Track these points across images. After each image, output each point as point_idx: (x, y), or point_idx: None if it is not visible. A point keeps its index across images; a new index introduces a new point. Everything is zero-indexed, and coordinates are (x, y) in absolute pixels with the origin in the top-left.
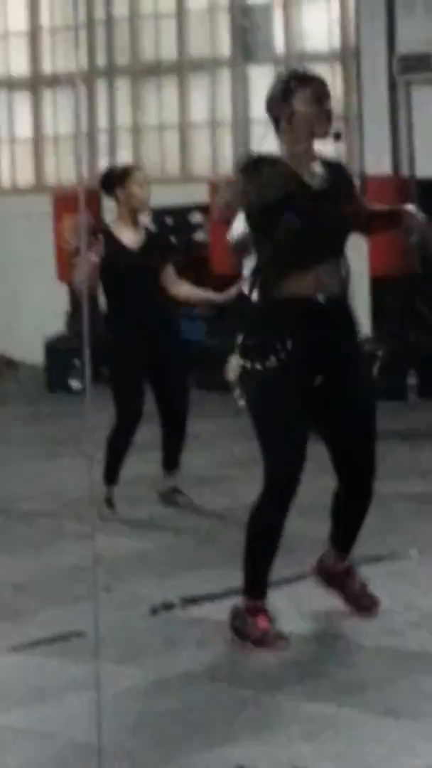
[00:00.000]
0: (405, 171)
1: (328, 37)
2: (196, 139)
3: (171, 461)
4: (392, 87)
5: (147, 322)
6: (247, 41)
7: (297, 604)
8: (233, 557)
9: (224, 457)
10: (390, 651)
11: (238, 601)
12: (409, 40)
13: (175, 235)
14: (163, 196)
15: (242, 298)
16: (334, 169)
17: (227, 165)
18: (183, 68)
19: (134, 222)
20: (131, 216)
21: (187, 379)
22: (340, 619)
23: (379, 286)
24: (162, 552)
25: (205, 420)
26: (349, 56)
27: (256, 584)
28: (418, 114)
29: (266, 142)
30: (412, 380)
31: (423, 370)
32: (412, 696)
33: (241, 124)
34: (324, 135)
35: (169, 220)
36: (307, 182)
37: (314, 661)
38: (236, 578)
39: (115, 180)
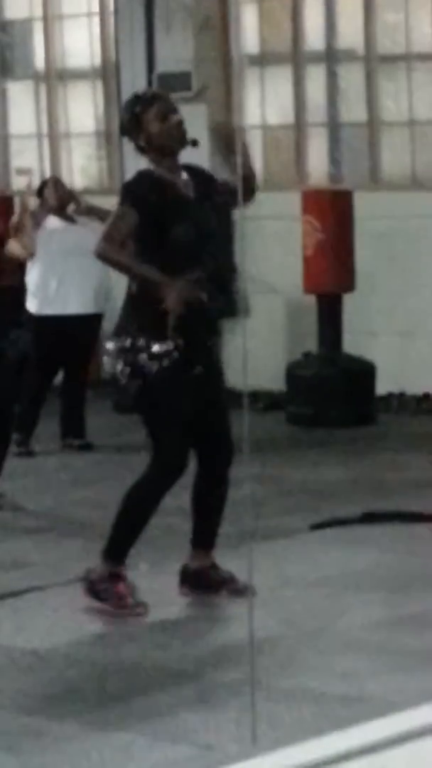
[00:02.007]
0: None
1: (89, 54)
2: None
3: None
4: None
5: None
6: (5, 57)
7: None
8: None
9: None
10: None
11: (94, 567)
12: (168, 59)
13: None
14: None
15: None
16: (198, 175)
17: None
18: None
19: None
20: None
21: None
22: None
23: None
24: None
25: None
26: (109, 73)
27: (120, 550)
28: None
29: (23, 156)
30: None
31: None
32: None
33: (0, 139)
34: (180, 146)
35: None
36: (181, 192)
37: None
38: None
39: None
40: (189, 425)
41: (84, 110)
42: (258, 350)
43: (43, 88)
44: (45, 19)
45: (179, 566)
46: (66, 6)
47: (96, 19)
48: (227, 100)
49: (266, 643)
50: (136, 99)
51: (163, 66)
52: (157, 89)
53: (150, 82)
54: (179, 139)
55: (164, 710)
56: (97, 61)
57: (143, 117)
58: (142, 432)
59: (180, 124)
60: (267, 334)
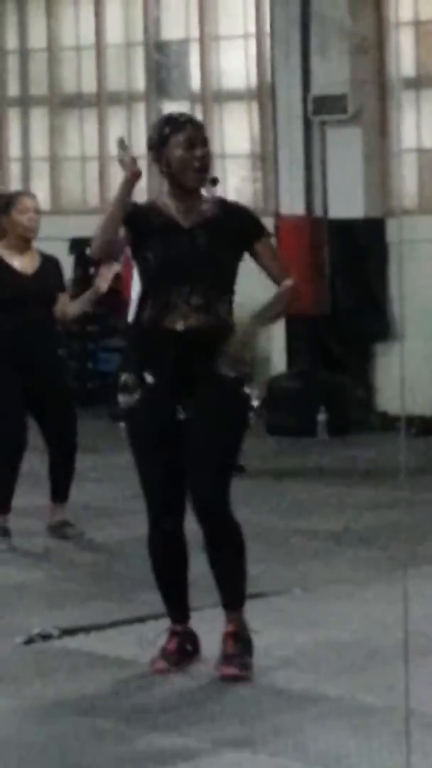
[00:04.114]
0: (318, 212)
1: (245, 76)
2: (114, 170)
3: (59, 493)
4: (307, 127)
5: (29, 348)
6: (162, 77)
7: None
8: (121, 590)
9: (126, 489)
10: (257, 686)
11: None
12: (324, 81)
13: (95, 266)
14: (84, 227)
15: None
16: (231, 210)
17: (142, 197)
18: (102, 101)
19: (23, 248)
20: (19, 242)
21: (72, 408)
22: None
23: (293, 323)
24: (50, 583)
25: (114, 452)
26: (265, 95)
27: (165, 608)
28: (332, 155)
29: None
30: (321, 417)
31: (332, 408)
32: (272, 732)
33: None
34: (198, 182)
35: (88, 251)
36: (174, 218)
37: (179, 696)
38: (121, 611)
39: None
40: (168, 473)
41: (239, 132)
42: (412, 374)
43: (198, 109)
44: (201, 39)
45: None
46: (222, 27)
47: (252, 41)
48: (382, 124)
49: (417, 670)
50: (168, 119)
51: (318, 88)
52: (191, 116)
53: (305, 104)
54: (198, 173)
55: (317, 736)
56: (253, 82)
57: (170, 139)
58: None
59: (204, 158)
60: (421, 359)
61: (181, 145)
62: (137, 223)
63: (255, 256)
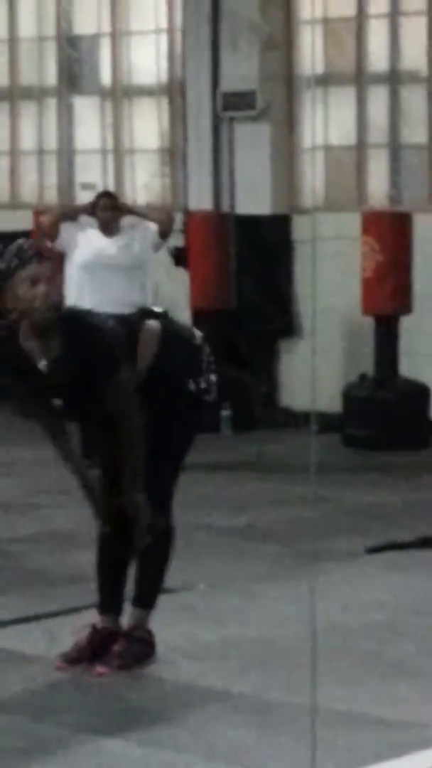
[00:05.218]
0: (226, 207)
1: (155, 71)
2: (24, 166)
3: None
4: (216, 123)
5: None
6: (73, 72)
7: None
8: (31, 586)
9: (34, 483)
10: (161, 682)
11: None
12: (233, 77)
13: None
14: None
15: None
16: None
17: (52, 193)
18: (14, 95)
19: None
20: None
21: None
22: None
23: (199, 319)
24: None
25: (20, 446)
26: (175, 91)
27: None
28: (241, 151)
29: (88, 172)
30: (225, 413)
31: (236, 404)
32: (177, 727)
33: (66, 154)
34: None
35: None
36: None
37: (85, 693)
38: (27, 605)
39: None
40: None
41: (149, 127)
42: (315, 371)
43: (109, 104)
44: (112, 35)
45: (238, 584)
46: (134, 22)
47: (163, 36)
48: (290, 120)
49: (323, 667)
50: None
51: (227, 84)
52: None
53: (215, 100)
54: None
55: (222, 732)
56: (163, 78)
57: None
58: None
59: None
60: (324, 355)
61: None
62: None
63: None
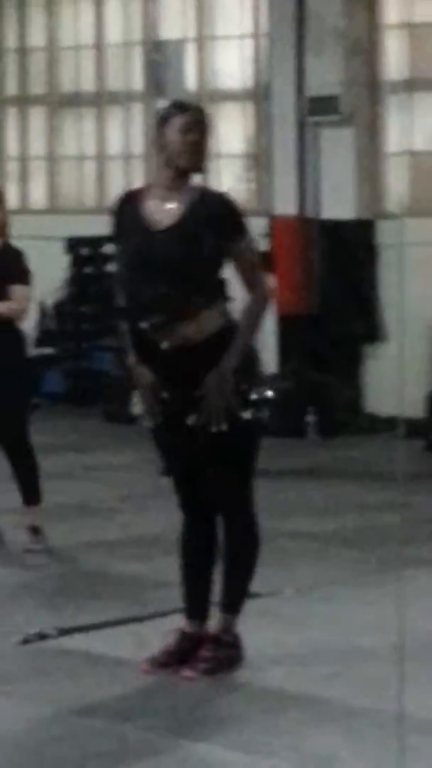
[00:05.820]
0: (310, 212)
1: (240, 76)
2: (111, 170)
3: (26, 495)
4: (301, 128)
5: None
6: (159, 76)
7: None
8: (120, 590)
9: (120, 489)
10: (248, 687)
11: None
12: (318, 82)
13: (91, 266)
14: (80, 227)
15: None
16: (209, 203)
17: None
18: (101, 100)
19: None
20: None
21: (18, 408)
22: None
23: (286, 323)
24: (47, 583)
25: (107, 451)
26: (260, 96)
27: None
28: (325, 155)
29: None
30: (310, 418)
31: (321, 409)
32: (265, 732)
33: (152, 158)
34: (189, 167)
35: (84, 251)
36: (145, 221)
37: (174, 697)
38: (115, 610)
39: None
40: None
41: (234, 132)
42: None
43: None
44: (198, 40)
45: (324, 590)
46: (219, 27)
47: (248, 41)
48: (374, 125)
49: (410, 674)
50: (174, 104)
51: (312, 89)
52: (197, 104)
53: (299, 105)
54: (191, 156)
55: (310, 737)
56: (249, 82)
57: (169, 121)
58: None
59: (197, 144)
60: (409, 361)
61: (178, 129)
62: (119, 219)
63: (229, 256)
